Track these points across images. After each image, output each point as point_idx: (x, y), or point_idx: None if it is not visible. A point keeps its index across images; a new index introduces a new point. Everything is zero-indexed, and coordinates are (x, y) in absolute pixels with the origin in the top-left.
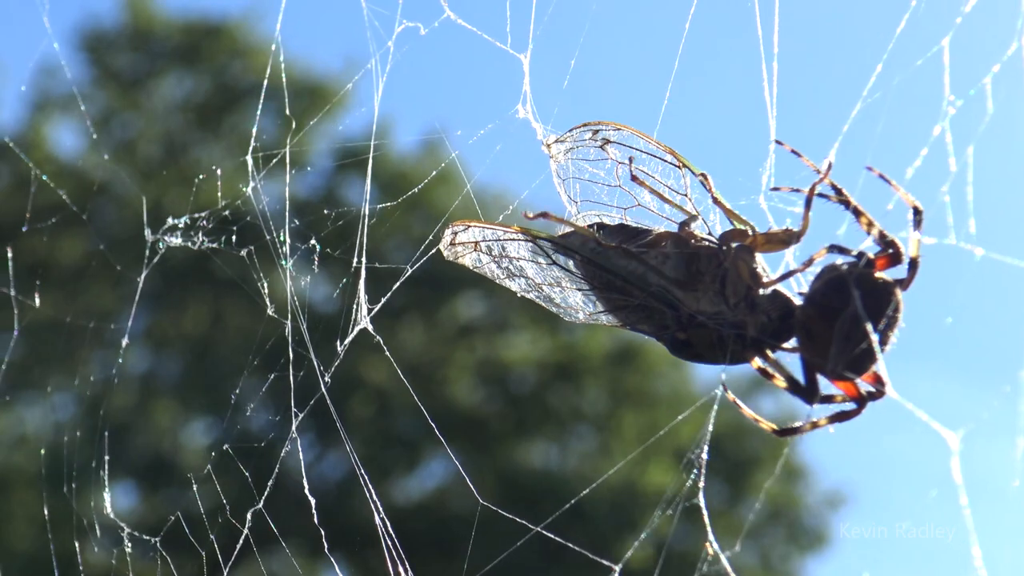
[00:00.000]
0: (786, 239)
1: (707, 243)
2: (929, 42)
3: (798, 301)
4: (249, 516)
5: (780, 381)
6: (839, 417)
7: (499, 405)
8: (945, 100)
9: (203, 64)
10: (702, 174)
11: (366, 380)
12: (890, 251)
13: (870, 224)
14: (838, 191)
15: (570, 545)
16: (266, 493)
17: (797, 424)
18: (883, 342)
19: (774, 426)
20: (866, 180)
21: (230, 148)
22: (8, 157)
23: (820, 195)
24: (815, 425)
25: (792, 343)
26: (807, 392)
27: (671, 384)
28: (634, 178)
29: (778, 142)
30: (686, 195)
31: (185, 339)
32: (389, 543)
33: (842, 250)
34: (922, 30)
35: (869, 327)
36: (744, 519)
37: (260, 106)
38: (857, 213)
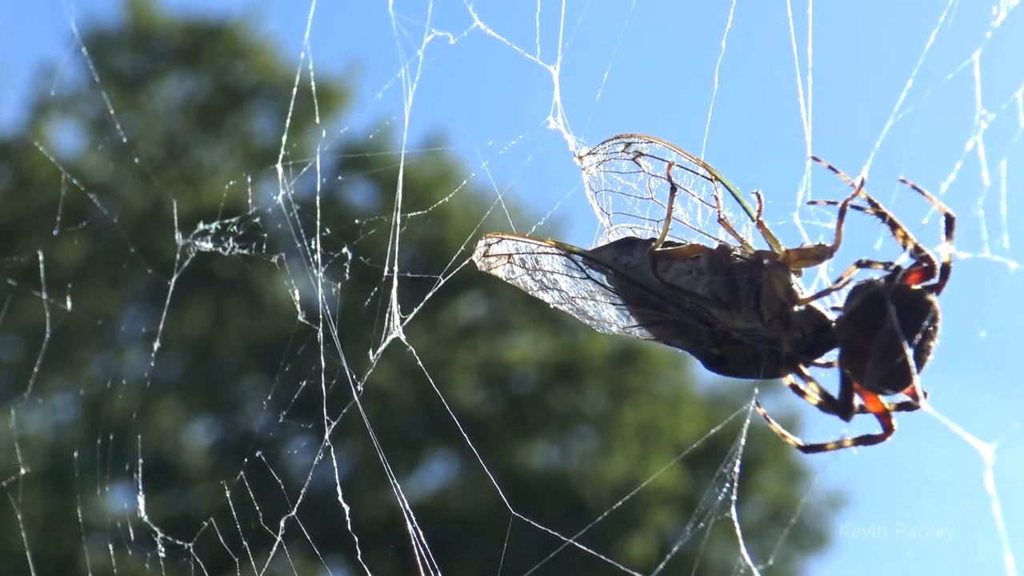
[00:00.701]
0: (819, 255)
1: (741, 260)
2: (960, 56)
3: (832, 316)
4: (282, 523)
5: (813, 397)
6: (865, 440)
7: (500, 406)
8: (977, 114)
9: (204, 65)
10: (755, 193)
11: (368, 381)
12: (924, 265)
13: (905, 237)
14: (874, 204)
15: (602, 557)
16: (299, 500)
17: (822, 442)
18: (923, 354)
19: (799, 442)
20: (900, 194)
21: (232, 149)
22: (8, 159)
23: (855, 207)
24: (840, 445)
25: (827, 358)
26: (842, 408)
27: (672, 385)
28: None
29: (815, 158)
30: (718, 208)
31: (185, 341)
32: (420, 548)
33: (871, 264)
34: (952, 45)
35: (906, 343)
36: (746, 520)
37: (291, 113)
38: (893, 226)
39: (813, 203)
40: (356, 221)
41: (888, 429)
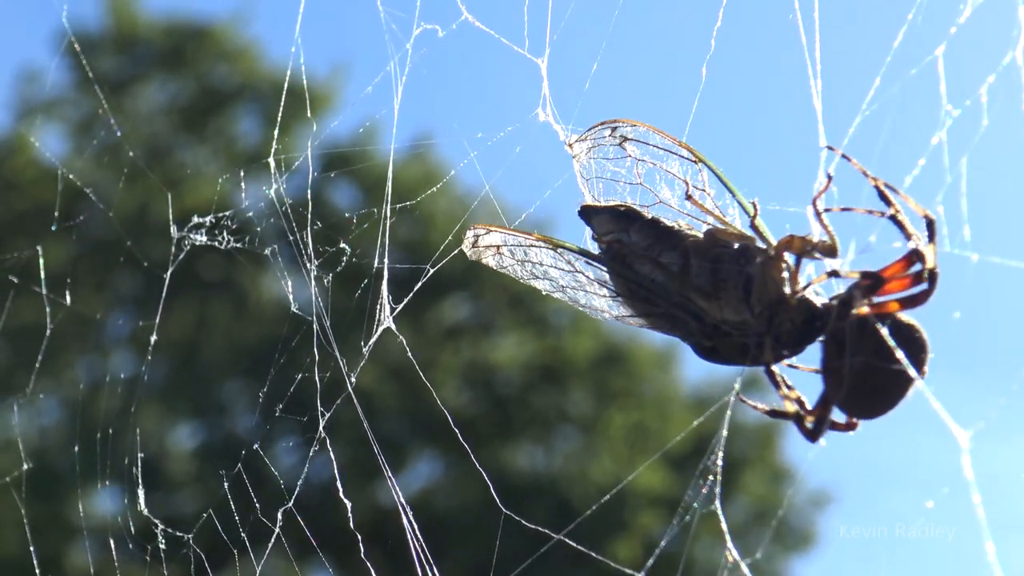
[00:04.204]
0: (827, 251)
1: (729, 249)
2: (925, 52)
3: (820, 301)
4: (280, 515)
5: (791, 405)
6: (830, 424)
7: (485, 407)
8: (943, 111)
9: (187, 68)
10: (753, 202)
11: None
12: (913, 269)
13: (909, 236)
14: (882, 195)
15: (600, 557)
16: (296, 492)
17: (787, 410)
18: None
19: (766, 407)
20: (871, 193)
21: (215, 152)
22: None
23: (855, 209)
24: (802, 418)
25: (814, 365)
26: (809, 432)
27: (657, 386)
28: (689, 197)
29: (830, 148)
30: (704, 190)
31: (170, 344)
32: (416, 543)
33: (848, 275)
34: (919, 41)
35: (906, 368)
36: (731, 520)
37: (281, 108)
38: (900, 224)
39: (828, 210)
40: (347, 215)
41: (851, 426)
